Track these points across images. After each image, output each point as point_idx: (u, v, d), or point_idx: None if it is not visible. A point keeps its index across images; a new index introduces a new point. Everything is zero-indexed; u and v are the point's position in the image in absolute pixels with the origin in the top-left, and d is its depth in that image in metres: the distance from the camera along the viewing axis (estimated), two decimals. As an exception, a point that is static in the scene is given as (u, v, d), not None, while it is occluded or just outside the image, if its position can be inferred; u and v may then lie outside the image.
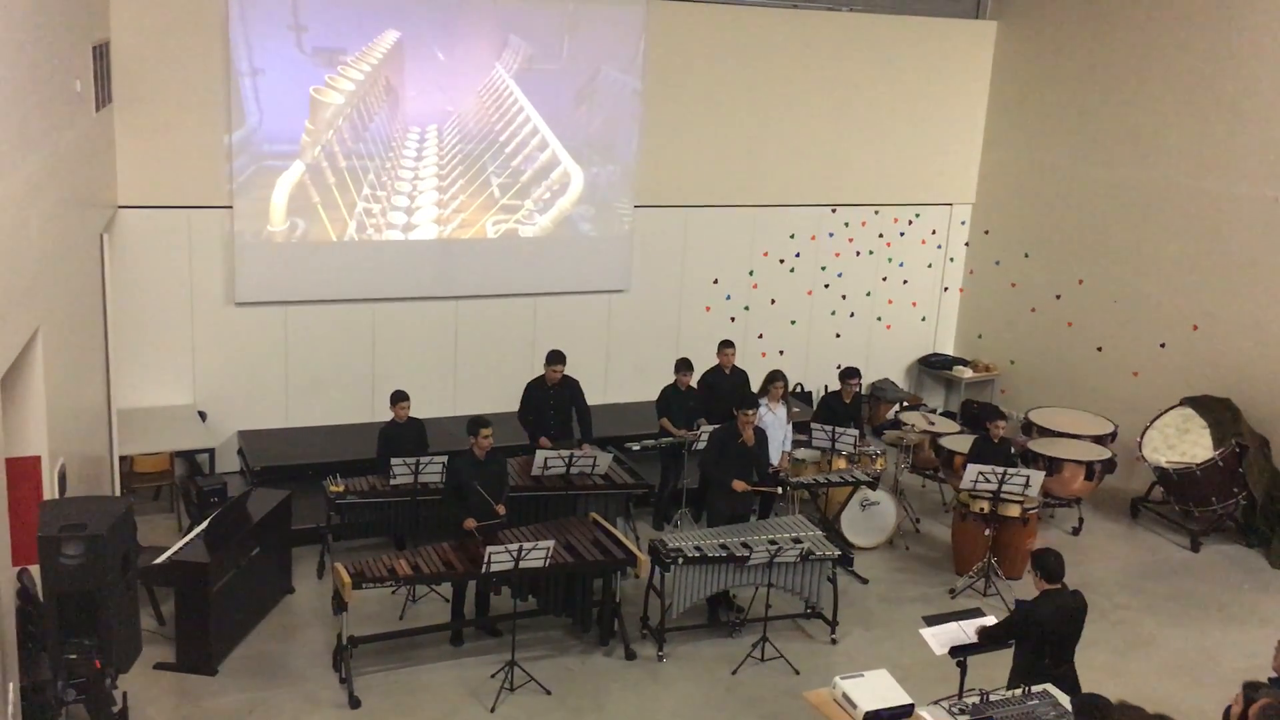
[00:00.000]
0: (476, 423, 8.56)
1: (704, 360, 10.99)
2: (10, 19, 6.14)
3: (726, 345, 10.91)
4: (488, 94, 11.53)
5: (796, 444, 10.73)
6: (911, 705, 6.40)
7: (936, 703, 6.50)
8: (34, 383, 6.76)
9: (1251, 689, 5.82)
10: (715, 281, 13.13)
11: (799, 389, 13.50)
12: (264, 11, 10.51)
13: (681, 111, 12.46)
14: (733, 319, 13.25)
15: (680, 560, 8.43)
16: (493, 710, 7.82)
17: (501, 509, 8.54)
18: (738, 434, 9.11)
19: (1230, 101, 11.34)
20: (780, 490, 9.86)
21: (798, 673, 8.46)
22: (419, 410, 9.90)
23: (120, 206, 10.41)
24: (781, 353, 13.47)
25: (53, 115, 7.36)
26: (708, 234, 12.94)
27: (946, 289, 14.49)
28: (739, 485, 9.06)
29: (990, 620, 6.98)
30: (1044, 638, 6.73)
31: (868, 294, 13.98)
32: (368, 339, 11.67)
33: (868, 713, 6.32)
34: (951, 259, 14.40)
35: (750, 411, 9.10)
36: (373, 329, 11.67)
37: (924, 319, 14.46)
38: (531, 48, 11.58)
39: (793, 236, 13.41)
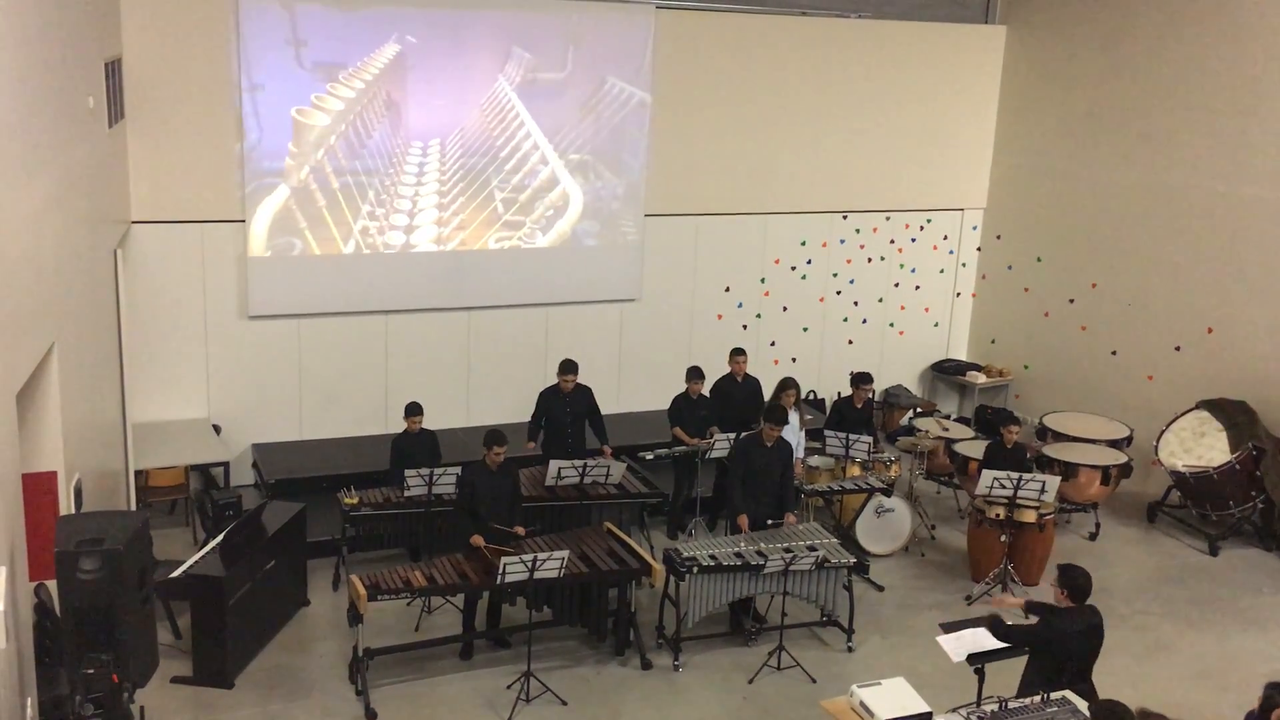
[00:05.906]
0: (493, 437, 8.58)
1: (716, 368, 10.98)
2: (23, 36, 6.18)
3: (738, 353, 10.91)
4: (491, 106, 11.53)
5: (810, 451, 10.70)
6: (929, 713, 6.37)
7: (954, 710, 6.47)
8: (50, 398, 6.79)
9: (1275, 689, 5.78)
10: (727, 289, 13.13)
11: (811, 396, 13.47)
12: (268, 27, 10.53)
13: (690, 119, 12.47)
14: (744, 327, 13.23)
15: (695, 569, 8.42)
16: (509, 721, 7.83)
17: (521, 529, 8.56)
18: (761, 445, 9.05)
19: (1242, 103, 11.29)
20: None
21: (814, 681, 8.43)
22: (432, 421, 9.92)
23: (134, 222, 10.46)
24: (794, 360, 13.45)
25: (66, 132, 7.40)
26: (718, 242, 12.93)
27: (959, 294, 14.45)
28: (743, 521, 8.95)
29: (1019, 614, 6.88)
30: (1067, 655, 6.62)
31: (880, 300, 13.95)
32: (380, 351, 11.69)
33: (885, 721, 6.30)
34: (964, 264, 14.37)
35: (777, 427, 9.03)
36: (385, 341, 11.69)
37: (937, 325, 14.42)
38: (535, 59, 11.57)
39: (804, 243, 13.39)
